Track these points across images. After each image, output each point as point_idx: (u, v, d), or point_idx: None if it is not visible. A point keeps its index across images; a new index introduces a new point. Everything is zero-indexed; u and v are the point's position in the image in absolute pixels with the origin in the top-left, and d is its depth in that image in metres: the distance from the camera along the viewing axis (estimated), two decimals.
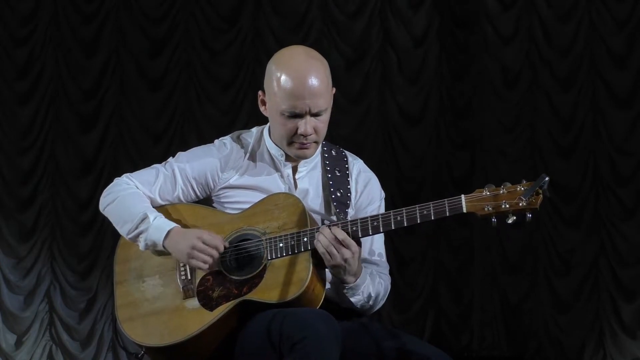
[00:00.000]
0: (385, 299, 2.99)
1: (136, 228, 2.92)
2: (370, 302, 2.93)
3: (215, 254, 2.85)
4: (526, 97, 6.82)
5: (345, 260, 2.78)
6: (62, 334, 6.92)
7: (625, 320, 6.58)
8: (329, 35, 6.99)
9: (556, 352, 6.64)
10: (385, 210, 3.00)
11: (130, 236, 2.94)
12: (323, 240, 2.77)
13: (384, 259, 3.04)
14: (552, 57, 6.79)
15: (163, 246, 2.89)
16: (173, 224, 2.91)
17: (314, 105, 2.87)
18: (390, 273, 3.06)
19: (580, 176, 6.71)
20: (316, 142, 2.95)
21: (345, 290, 2.87)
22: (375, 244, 3.01)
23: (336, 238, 2.76)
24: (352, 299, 2.89)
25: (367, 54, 6.98)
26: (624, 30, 6.72)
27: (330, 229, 2.79)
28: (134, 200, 2.96)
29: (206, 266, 2.85)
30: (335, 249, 2.77)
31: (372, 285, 2.91)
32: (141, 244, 2.93)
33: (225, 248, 2.87)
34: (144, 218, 2.90)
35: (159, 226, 2.89)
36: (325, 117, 2.92)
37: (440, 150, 6.89)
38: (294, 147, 2.93)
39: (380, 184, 3.11)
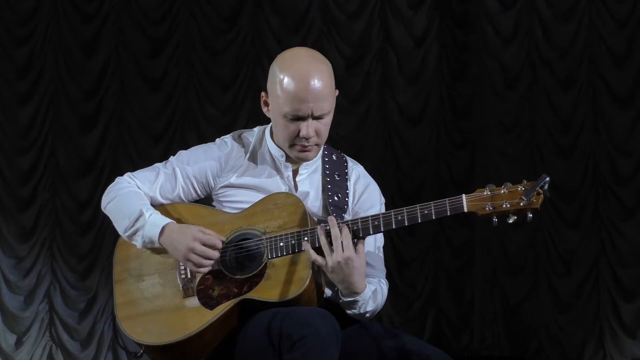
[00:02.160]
0: (381, 307, 2.98)
1: (133, 225, 2.91)
2: (367, 315, 2.92)
3: (214, 254, 2.85)
4: (526, 97, 6.82)
5: (344, 276, 2.77)
6: (62, 334, 6.92)
7: (625, 320, 6.58)
8: (329, 35, 6.99)
9: (556, 352, 6.64)
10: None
11: (127, 234, 2.94)
12: (337, 255, 2.76)
13: (382, 262, 3.03)
14: (552, 57, 6.79)
15: (159, 243, 2.89)
16: (168, 220, 2.90)
17: (317, 108, 2.86)
18: (390, 274, 3.06)
19: (580, 176, 6.71)
20: (318, 145, 2.94)
21: (340, 302, 2.87)
22: (378, 243, 2.99)
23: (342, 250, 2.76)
24: (347, 311, 2.89)
25: (367, 54, 6.98)
26: (624, 30, 6.72)
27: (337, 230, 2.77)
28: (132, 198, 2.96)
29: (204, 270, 2.85)
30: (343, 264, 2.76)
31: (372, 302, 2.90)
32: (138, 242, 2.92)
33: (223, 243, 2.87)
34: (140, 215, 2.90)
35: (154, 222, 2.89)
36: (328, 120, 2.92)
37: (440, 150, 6.90)
38: (296, 149, 2.93)
39: (380, 189, 3.10)
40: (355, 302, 2.86)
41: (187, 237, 2.85)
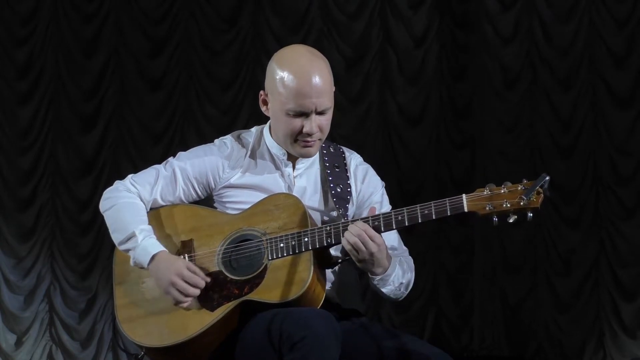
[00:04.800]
0: (413, 278, 2.98)
1: (125, 243, 2.92)
2: (402, 290, 2.93)
3: (194, 292, 2.84)
4: (526, 97, 6.82)
5: (372, 254, 2.78)
6: (62, 334, 6.93)
7: (625, 320, 6.58)
8: (329, 35, 6.99)
9: (556, 352, 6.64)
10: (388, 198, 3.06)
11: (121, 248, 2.95)
12: (349, 236, 2.76)
13: (402, 245, 3.04)
14: (552, 57, 6.79)
15: (148, 269, 2.90)
16: (159, 248, 2.90)
17: (320, 103, 2.88)
18: None
19: (580, 176, 6.71)
20: (320, 140, 2.95)
21: (375, 283, 2.86)
22: (389, 237, 2.96)
23: (363, 233, 2.76)
24: (383, 290, 2.88)
25: (367, 54, 6.98)
26: (624, 30, 6.72)
27: (356, 224, 2.77)
28: (129, 211, 2.95)
29: (183, 306, 2.85)
30: (363, 243, 2.76)
31: (402, 273, 2.91)
32: (131, 260, 2.93)
33: (207, 283, 2.85)
34: (132, 236, 2.90)
35: (145, 248, 2.89)
36: (329, 115, 2.93)
37: (440, 150, 6.90)
38: (299, 145, 2.93)
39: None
40: (387, 276, 2.85)
41: (170, 271, 2.85)
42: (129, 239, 2.91)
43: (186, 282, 2.83)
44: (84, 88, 7.06)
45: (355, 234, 2.76)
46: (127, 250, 2.92)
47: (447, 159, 6.88)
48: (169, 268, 2.86)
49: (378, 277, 2.85)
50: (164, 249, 2.90)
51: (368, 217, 2.81)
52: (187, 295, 2.84)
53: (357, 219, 2.82)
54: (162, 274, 2.86)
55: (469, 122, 6.89)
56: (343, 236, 2.78)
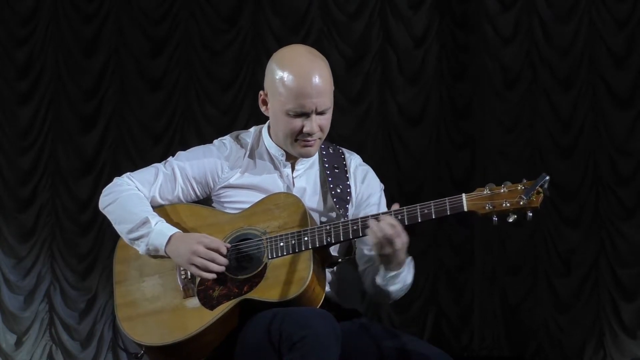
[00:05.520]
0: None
1: (137, 231, 2.91)
2: (404, 290, 2.92)
3: (218, 257, 2.84)
4: (526, 97, 6.82)
5: (396, 250, 2.76)
6: (62, 334, 6.93)
7: (625, 320, 6.58)
8: (329, 35, 6.99)
9: (556, 352, 6.64)
10: (385, 201, 3.04)
11: (130, 237, 2.93)
12: (386, 226, 2.74)
13: None
14: (552, 57, 6.79)
15: (165, 252, 2.89)
16: (175, 229, 2.90)
17: (320, 103, 2.88)
18: None
19: (580, 176, 6.71)
20: (320, 140, 2.96)
21: (389, 277, 2.84)
22: None
23: (398, 226, 2.74)
24: (390, 288, 2.87)
25: (367, 54, 6.98)
26: (624, 30, 6.72)
27: (392, 217, 2.75)
28: (135, 202, 2.95)
29: (206, 274, 2.84)
30: (391, 237, 2.74)
31: (409, 274, 2.90)
32: (141, 248, 2.92)
33: (227, 249, 2.86)
34: (145, 222, 2.89)
35: (160, 231, 2.88)
36: (329, 115, 2.93)
37: (440, 150, 6.90)
38: (299, 145, 2.93)
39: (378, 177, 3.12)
40: (399, 274, 2.84)
41: (190, 241, 2.86)
42: (141, 225, 2.90)
43: (208, 248, 2.83)
44: (84, 88, 7.06)
45: (391, 223, 2.73)
46: (139, 238, 2.91)
47: (447, 159, 6.88)
48: (188, 240, 2.86)
49: (392, 274, 2.84)
50: (179, 230, 2.90)
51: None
52: (211, 261, 2.83)
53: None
54: (182, 249, 2.85)
55: (469, 122, 6.89)
56: (368, 227, 2.75)
